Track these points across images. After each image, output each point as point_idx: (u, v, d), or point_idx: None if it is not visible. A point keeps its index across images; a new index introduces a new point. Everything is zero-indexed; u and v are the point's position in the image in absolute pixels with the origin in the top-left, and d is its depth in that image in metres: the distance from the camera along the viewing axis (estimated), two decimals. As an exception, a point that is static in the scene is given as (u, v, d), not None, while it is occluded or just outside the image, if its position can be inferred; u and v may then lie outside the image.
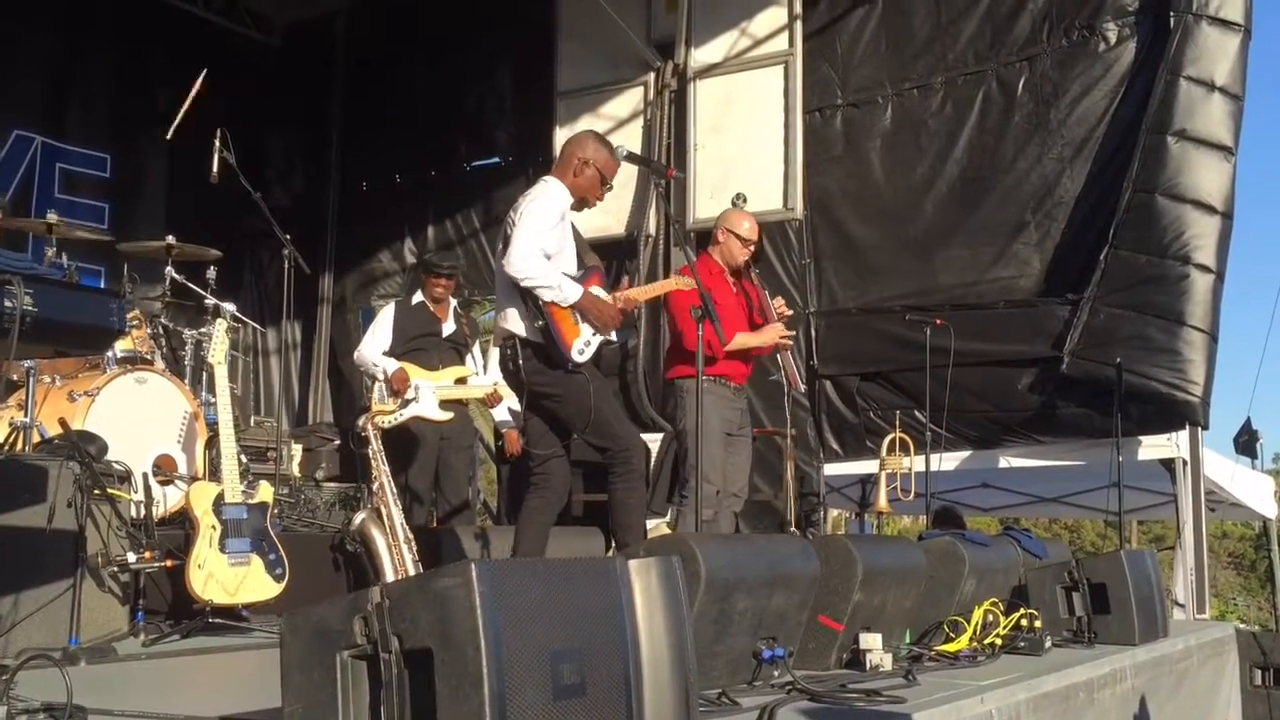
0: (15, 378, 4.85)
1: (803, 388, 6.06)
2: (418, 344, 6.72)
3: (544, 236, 4.44)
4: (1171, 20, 7.09)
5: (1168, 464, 7.31)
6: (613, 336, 4.68)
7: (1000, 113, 7.71)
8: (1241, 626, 7.55)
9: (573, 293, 4.46)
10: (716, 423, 5.47)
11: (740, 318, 5.72)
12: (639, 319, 8.61)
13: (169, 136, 6.30)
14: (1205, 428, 7.15)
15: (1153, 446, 7.27)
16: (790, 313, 5.92)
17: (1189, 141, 7.01)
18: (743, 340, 5.62)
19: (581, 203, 4.71)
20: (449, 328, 6.84)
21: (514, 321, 4.55)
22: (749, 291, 5.84)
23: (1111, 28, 7.40)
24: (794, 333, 5.87)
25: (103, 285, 8.38)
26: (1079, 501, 10.70)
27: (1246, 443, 9.16)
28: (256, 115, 10.55)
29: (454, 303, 7.02)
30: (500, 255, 4.59)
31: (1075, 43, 7.50)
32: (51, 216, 5.74)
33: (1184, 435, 7.17)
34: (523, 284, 4.41)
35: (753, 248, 5.83)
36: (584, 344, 4.53)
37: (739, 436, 5.73)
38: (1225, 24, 7.04)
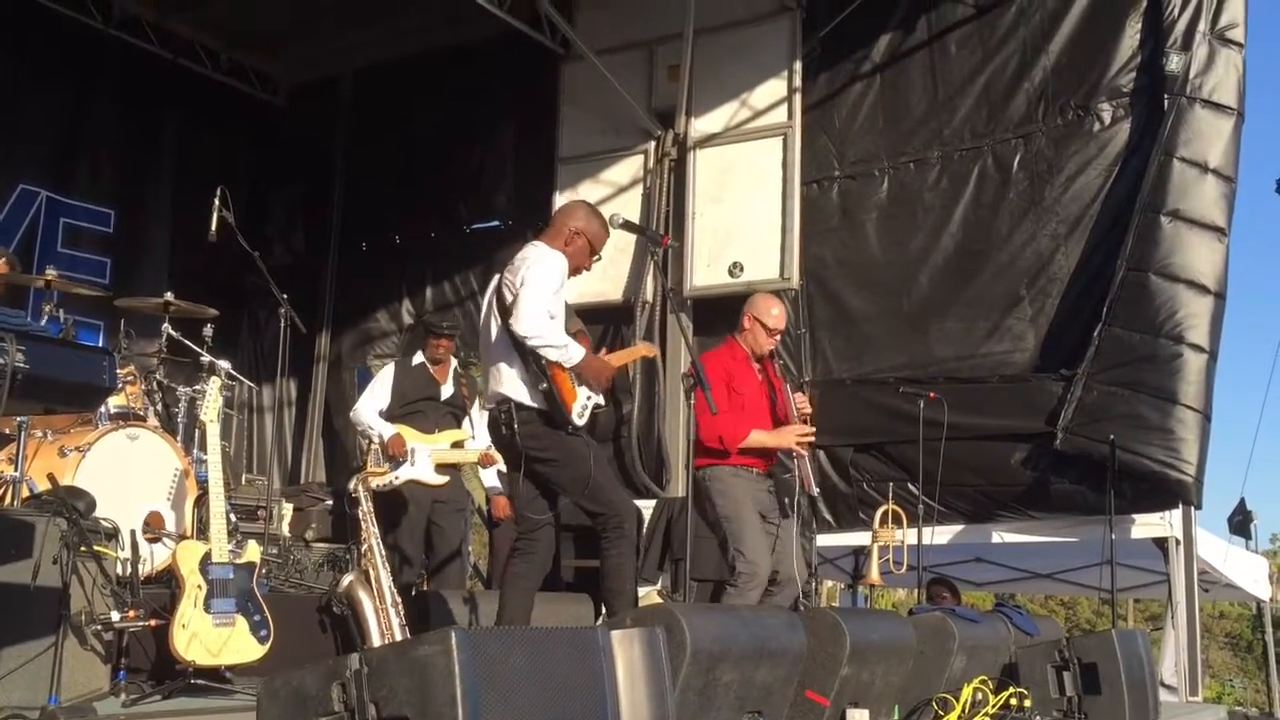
0: (7, 432, 4.85)
1: (816, 491, 5.79)
2: (416, 407, 6.69)
3: (549, 300, 4.47)
4: (1166, 102, 7.20)
5: (1161, 543, 7.28)
6: (601, 400, 4.67)
7: (995, 188, 7.79)
8: (1237, 709, 7.47)
9: (576, 353, 4.49)
10: (752, 504, 5.25)
11: (763, 410, 5.44)
12: (634, 384, 8.62)
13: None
14: (1198, 507, 7.14)
15: (1146, 525, 7.25)
16: (809, 410, 5.56)
17: (1182, 222, 7.08)
18: (757, 439, 5.32)
19: (573, 271, 4.73)
20: (448, 390, 6.83)
21: (511, 384, 4.54)
22: (773, 382, 5.56)
23: (1106, 108, 7.50)
24: (813, 433, 5.45)
25: (101, 340, 8.41)
26: (1073, 579, 10.66)
27: (1240, 523, 9.15)
28: (259, 174, 10.70)
29: (454, 364, 7.00)
30: (485, 319, 4.61)
31: (1071, 122, 7.60)
32: (50, 272, 5.79)
33: (1177, 514, 7.17)
34: (531, 343, 4.42)
35: (778, 337, 5.58)
36: (581, 407, 4.53)
37: (771, 523, 5.34)
38: (1218, 107, 7.15)
